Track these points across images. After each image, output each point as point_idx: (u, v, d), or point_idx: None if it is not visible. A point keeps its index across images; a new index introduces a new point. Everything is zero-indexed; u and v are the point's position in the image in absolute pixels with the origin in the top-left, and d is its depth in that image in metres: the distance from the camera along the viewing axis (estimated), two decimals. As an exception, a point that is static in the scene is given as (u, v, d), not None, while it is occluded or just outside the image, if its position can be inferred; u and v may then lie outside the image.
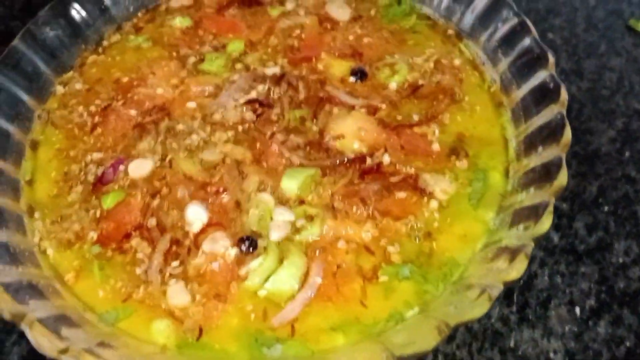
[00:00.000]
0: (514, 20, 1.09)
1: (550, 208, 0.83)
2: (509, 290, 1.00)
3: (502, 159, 1.01)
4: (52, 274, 0.92)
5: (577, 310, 0.99)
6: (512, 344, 0.95)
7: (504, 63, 1.09)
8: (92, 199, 1.00)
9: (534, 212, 0.85)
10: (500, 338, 0.96)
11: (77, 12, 1.19)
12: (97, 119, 1.10)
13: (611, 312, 0.98)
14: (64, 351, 0.75)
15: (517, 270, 0.80)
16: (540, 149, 0.95)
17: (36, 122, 1.10)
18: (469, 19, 1.17)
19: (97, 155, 1.05)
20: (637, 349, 0.95)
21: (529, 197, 0.91)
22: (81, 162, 1.04)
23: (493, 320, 0.98)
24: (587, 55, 1.34)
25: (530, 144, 0.98)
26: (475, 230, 0.94)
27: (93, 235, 0.96)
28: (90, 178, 1.02)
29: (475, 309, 0.77)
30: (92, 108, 1.11)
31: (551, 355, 0.95)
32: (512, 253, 0.82)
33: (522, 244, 0.82)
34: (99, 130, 1.08)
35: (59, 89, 1.15)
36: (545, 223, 0.82)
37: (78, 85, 1.15)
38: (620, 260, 1.04)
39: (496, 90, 1.10)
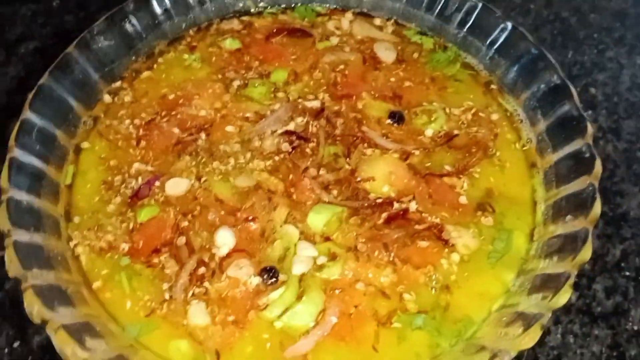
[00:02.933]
0: (557, 82, 1.10)
1: (571, 281, 0.85)
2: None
3: (529, 221, 1.03)
4: (82, 279, 0.96)
5: (587, 373, 1.00)
6: (521, 400, 0.97)
7: (542, 124, 1.10)
8: (128, 211, 1.03)
9: (554, 282, 0.87)
10: (509, 394, 0.97)
11: (132, 25, 1.23)
12: (141, 132, 1.14)
13: (620, 379, 0.99)
14: (84, 362, 0.79)
15: (530, 338, 0.81)
16: (568, 217, 0.96)
17: (82, 128, 1.14)
18: (512, 74, 1.18)
19: (137, 168, 1.09)
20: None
21: (551, 265, 0.92)
22: (122, 174, 1.08)
23: (501, 374, 0.99)
24: (627, 115, 1.34)
25: (558, 211, 0.99)
26: (493, 290, 0.95)
27: (125, 246, 1.00)
28: (128, 191, 1.06)
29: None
30: (137, 121, 1.15)
31: (557, 415, 0.96)
32: (528, 321, 0.83)
33: (539, 312, 0.83)
34: (142, 143, 1.12)
35: (107, 98, 1.20)
36: (564, 296, 0.84)
37: (127, 98, 1.19)
38: (635, 327, 1.05)
39: (531, 149, 1.11)
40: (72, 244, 1.00)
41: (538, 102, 1.13)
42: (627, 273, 1.11)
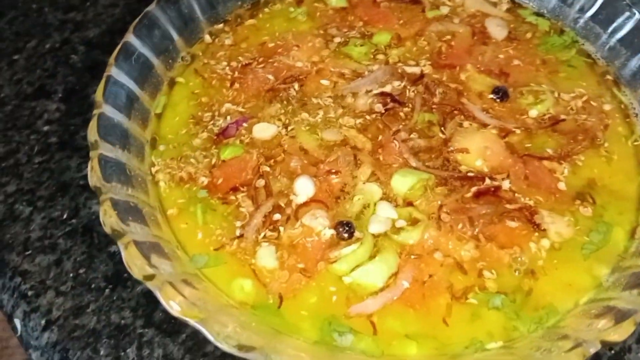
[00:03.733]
0: (682, 79, 1.01)
1: (675, 280, 0.77)
2: (596, 356, 0.93)
3: (632, 218, 0.94)
4: (158, 205, 0.96)
5: (669, 398, 0.90)
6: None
7: (660, 121, 1.02)
8: (212, 147, 1.02)
9: (653, 281, 0.79)
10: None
11: (242, -32, 1.23)
12: (237, 74, 1.12)
13: None
14: (149, 277, 0.78)
15: (620, 333, 0.74)
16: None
17: (179, 62, 1.14)
18: (632, 65, 1.09)
19: (227, 108, 1.08)
20: None
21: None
22: (213, 111, 1.07)
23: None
24: None
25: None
26: (583, 283, 0.88)
27: (204, 180, 0.98)
28: (215, 128, 1.05)
29: None
30: (234, 63, 1.14)
31: None
32: (620, 315, 0.75)
33: (634, 308, 0.75)
34: (236, 85, 1.11)
35: (207, 38, 1.19)
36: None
37: (228, 41, 1.19)
38: None
39: (643, 144, 1.02)
40: (154, 169, 1.00)
41: (658, 98, 1.04)
42: None
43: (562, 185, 0.97)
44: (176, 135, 1.05)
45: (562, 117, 1.06)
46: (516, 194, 0.96)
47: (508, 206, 0.95)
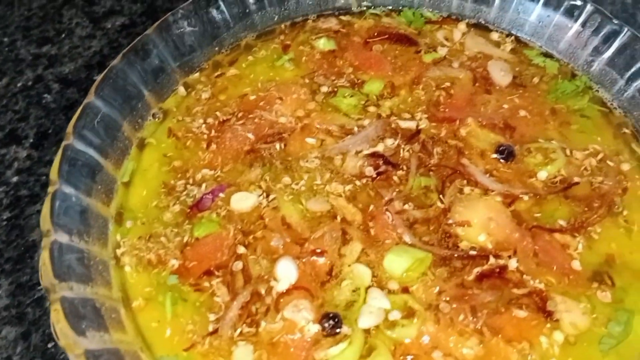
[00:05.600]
0: None
1: None
2: None
3: (658, 304, 0.84)
4: (121, 295, 0.86)
5: None
6: None
7: (686, 185, 0.90)
8: (185, 222, 0.92)
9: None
10: None
11: (220, 11, 1.12)
12: (213, 132, 1.02)
13: None
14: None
15: None
16: None
17: (150, 120, 1.04)
18: (654, 118, 0.98)
19: (203, 174, 0.97)
20: None
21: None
22: (186, 178, 0.97)
23: None
24: None
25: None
26: (601, 386, 0.77)
27: (175, 263, 0.88)
28: (189, 200, 0.94)
29: None
30: (211, 120, 1.04)
31: None
32: None
33: None
34: (213, 146, 1.00)
35: (181, 90, 1.09)
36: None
37: (205, 94, 1.08)
38: None
39: (667, 214, 0.91)
40: (119, 251, 0.89)
41: (682, 157, 0.93)
42: None
43: (576, 264, 0.86)
44: (146, 208, 0.94)
45: (576, 179, 0.95)
46: (524, 276, 0.85)
47: (516, 291, 0.84)
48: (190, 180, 0.97)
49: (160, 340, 0.82)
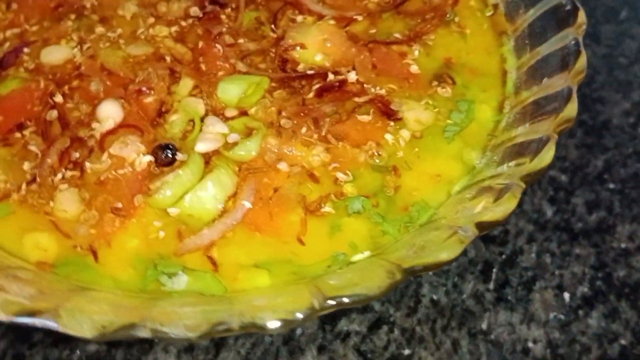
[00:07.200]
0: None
1: (552, 143, 0.65)
2: (486, 264, 0.82)
3: (497, 93, 0.83)
4: None
5: (566, 296, 0.81)
6: (484, 326, 0.78)
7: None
8: (-12, 82, 0.80)
9: (530, 148, 0.67)
10: (471, 318, 0.78)
11: None
12: (11, -8, 0.90)
13: (606, 303, 0.81)
14: None
15: (501, 212, 0.61)
16: (545, 80, 0.77)
17: None
18: None
19: (6, 34, 0.86)
20: (633, 348, 0.77)
21: (525, 133, 0.72)
22: (-18, 39, 0.85)
23: (465, 296, 0.80)
24: (606, 20, 1.17)
25: (533, 75, 0.80)
26: (453, 170, 0.76)
27: (-23, 122, 0.76)
28: (-9, 59, 0.82)
29: (441, 252, 0.59)
30: (3, -22, 0.91)
31: (530, 344, 0.77)
32: (497, 192, 0.63)
33: (510, 182, 0.63)
34: (14, 6, 0.88)
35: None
36: (545, 159, 0.64)
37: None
38: (623, 245, 0.86)
39: (499, 15, 0.91)
40: None
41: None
42: (612, 185, 0.92)
43: (415, 69, 0.84)
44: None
45: (408, -4, 0.93)
46: (365, 85, 0.82)
47: (357, 100, 0.80)
48: (-6, 40, 0.85)
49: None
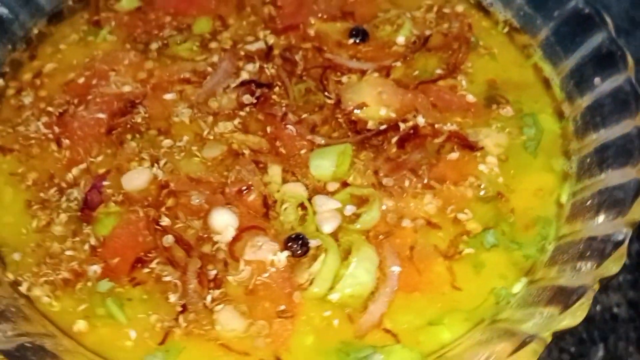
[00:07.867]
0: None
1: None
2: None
3: (548, 100, 0.91)
4: (53, 328, 0.70)
5: None
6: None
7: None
8: (83, 227, 0.78)
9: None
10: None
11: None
12: (56, 129, 0.87)
13: None
14: None
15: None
16: (597, 80, 0.85)
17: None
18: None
19: (73, 173, 0.83)
20: None
21: (605, 133, 0.81)
22: (55, 185, 0.82)
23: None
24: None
25: (581, 79, 0.88)
26: (550, 182, 0.83)
27: (95, 268, 0.74)
28: (73, 204, 0.80)
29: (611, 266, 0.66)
30: (46, 119, 0.88)
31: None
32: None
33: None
34: (66, 142, 0.86)
35: (-12, 104, 0.91)
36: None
37: (27, 100, 0.92)
38: None
39: (513, 30, 0.99)
40: (23, 288, 0.73)
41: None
42: None
43: (471, 98, 0.91)
44: (24, 234, 0.78)
45: (427, 32, 0.98)
46: (435, 125, 0.87)
47: (437, 140, 0.86)
48: (62, 184, 0.82)
49: (124, 350, 0.69)
